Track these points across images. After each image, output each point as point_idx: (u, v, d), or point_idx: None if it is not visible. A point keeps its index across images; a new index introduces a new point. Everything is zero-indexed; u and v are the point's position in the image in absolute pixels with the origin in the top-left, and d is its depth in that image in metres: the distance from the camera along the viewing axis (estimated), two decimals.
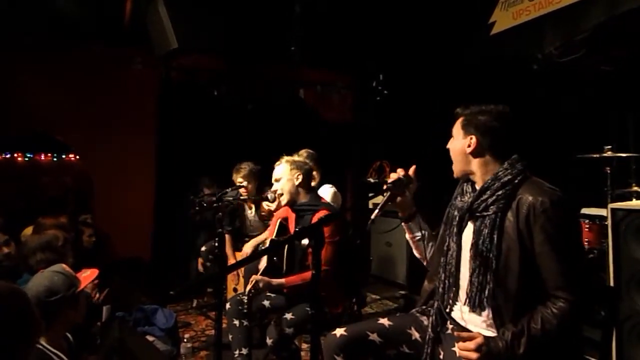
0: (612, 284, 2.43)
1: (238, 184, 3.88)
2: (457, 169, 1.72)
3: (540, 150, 3.74)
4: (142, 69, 4.98)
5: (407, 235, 1.88)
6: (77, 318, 1.99)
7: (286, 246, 2.53)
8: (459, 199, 1.72)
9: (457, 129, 1.72)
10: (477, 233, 1.56)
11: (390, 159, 5.38)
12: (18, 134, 5.10)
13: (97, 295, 2.64)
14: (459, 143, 1.69)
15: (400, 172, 1.81)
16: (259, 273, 2.55)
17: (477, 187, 1.65)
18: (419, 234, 1.85)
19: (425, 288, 1.88)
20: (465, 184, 1.73)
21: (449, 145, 1.76)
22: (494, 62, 3.91)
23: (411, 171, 1.82)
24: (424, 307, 1.84)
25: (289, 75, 5.45)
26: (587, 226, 3.17)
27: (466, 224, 1.65)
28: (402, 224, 1.89)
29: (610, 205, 2.49)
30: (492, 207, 1.54)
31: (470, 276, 1.57)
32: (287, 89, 5.70)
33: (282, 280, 2.48)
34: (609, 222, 2.47)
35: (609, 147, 3.17)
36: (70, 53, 4.67)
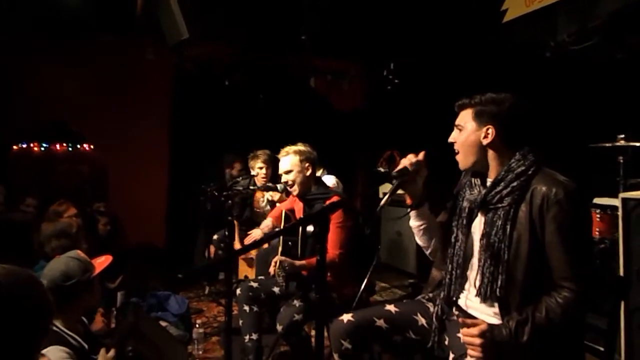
0: (622, 273, 2.41)
1: (257, 169, 3.93)
2: (468, 161, 1.66)
3: (553, 139, 3.71)
4: (156, 59, 5.03)
5: (413, 223, 1.83)
6: (93, 302, 2.06)
7: (300, 231, 2.57)
8: (468, 191, 1.70)
9: (467, 119, 1.65)
10: (489, 224, 1.56)
11: (401, 148, 5.37)
12: (34, 124, 5.19)
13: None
14: (473, 135, 1.63)
15: (411, 157, 1.75)
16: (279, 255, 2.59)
17: (489, 179, 1.62)
18: (425, 222, 1.82)
19: (433, 276, 1.89)
20: (473, 177, 1.70)
21: (454, 139, 1.69)
22: (506, 49, 3.86)
23: (421, 156, 1.76)
24: (430, 294, 1.86)
25: (300, 64, 5.45)
26: (599, 216, 3.14)
27: (476, 215, 1.65)
28: (410, 211, 1.85)
29: (622, 195, 2.47)
30: (506, 198, 1.53)
31: (482, 267, 1.57)
32: (298, 78, 5.70)
33: (304, 262, 2.52)
34: (620, 211, 2.45)
35: (622, 136, 3.12)
36: (85, 44, 4.74)
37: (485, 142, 1.61)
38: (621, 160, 3.17)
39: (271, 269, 2.51)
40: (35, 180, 5.89)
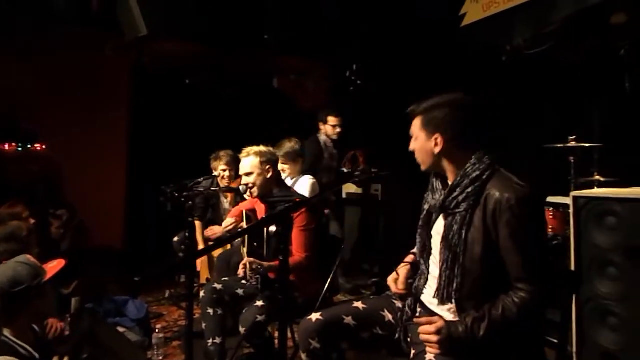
0: (573, 268, 2.52)
1: (221, 171, 3.86)
2: (426, 167, 1.71)
3: (509, 140, 3.85)
4: (114, 55, 4.86)
5: None
6: (45, 309, 1.97)
7: (265, 232, 2.54)
8: (430, 195, 1.73)
9: (417, 129, 1.68)
10: (447, 228, 1.59)
11: (365, 148, 5.42)
12: None
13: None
14: (425, 144, 1.66)
15: (394, 288, 1.81)
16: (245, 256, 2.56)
17: (449, 182, 1.65)
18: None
19: None
20: (435, 180, 1.73)
21: (412, 147, 1.72)
22: (465, 52, 3.97)
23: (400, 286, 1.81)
24: None
25: (262, 63, 5.40)
26: (552, 214, 3.28)
27: (437, 218, 1.68)
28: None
29: (573, 193, 2.57)
30: (463, 204, 1.56)
31: (440, 270, 1.60)
32: (261, 77, 5.66)
33: (273, 263, 2.47)
34: (571, 209, 2.55)
35: (573, 137, 3.27)
36: (39, 35, 4.51)
37: (436, 150, 1.63)
38: (572, 161, 3.31)
39: (240, 271, 2.47)
40: None
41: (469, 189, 1.55)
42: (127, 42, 4.16)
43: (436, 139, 1.62)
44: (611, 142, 3.31)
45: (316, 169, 4.23)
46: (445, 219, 1.61)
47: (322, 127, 4.54)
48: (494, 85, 3.95)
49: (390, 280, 1.84)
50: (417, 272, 1.79)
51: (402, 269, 1.85)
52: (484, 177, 1.55)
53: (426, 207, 1.73)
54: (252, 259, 2.46)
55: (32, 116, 4.84)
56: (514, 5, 3.28)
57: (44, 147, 5.49)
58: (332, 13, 4.66)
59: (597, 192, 2.71)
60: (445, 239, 1.59)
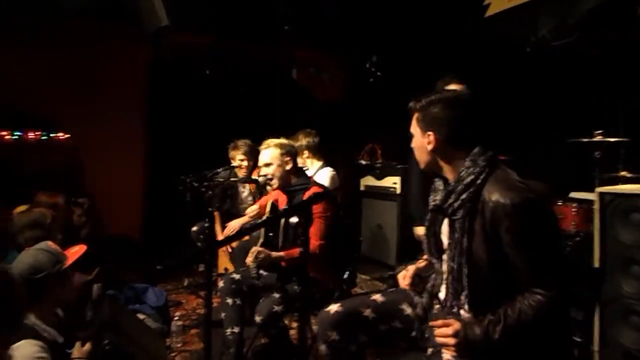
0: (597, 266, 2.47)
1: (238, 161, 3.88)
2: (423, 165, 1.68)
3: (532, 134, 3.77)
4: (133, 46, 4.90)
5: None
6: (66, 295, 2.00)
7: (282, 223, 2.55)
8: (432, 196, 1.70)
9: (414, 126, 1.66)
10: (450, 236, 1.56)
11: (383, 140, 5.39)
12: (5, 111, 5.01)
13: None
14: (419, 141, 1.63)
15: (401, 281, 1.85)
16: (259, 246, 2.57)
17: (448, 183, 1.61)
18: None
19: None
20: (437, 180, 1.70)
21: (412, 145, 1.69)
22: (488, 44, 3.90)
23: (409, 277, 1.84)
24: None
25: (281, 54, 5.39)
26: (575, 210, 3.20)
27: (442, 220, 1.64)
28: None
29: (598, 189, 2.51)
30: (459, 211, 1.51)
31: (446, 280, 1.58)
32: (280, 68, 5.65)
33: (282, 253, 2.51)
34: (596, 205, 2.49)
35: (599, 131, 3.18)
36: (61, 29, 4.58)
37: (430, 147, 1.59)
38: (597, 156, 3.23)
39: (248, 259, 2.49)
40: (6, 169, 5.70)
41: (464, 195, 1.50)
42: (147, 32, 4.19)
43: (429, 135, 1.59)
44: (637, 137, 3.22)
45: None
46: (448, 223, 1.58)
47: None
48: (517, 77, 3.87)
49: (399, 276, 1.84)
50: (431, 269, 1.77)
51: (412, 266, 1.84)
52: (479, 181, 1.49)
53: (430, 207, 1.70)
54: (260, 248, 2.48)
55: (54, 107, 4.92)
56: None
57: (67, 136, 5.60)
58: (332, 13, 4.59)
59: (623, 188, 2.63)
60: (450, 246, 1.56)
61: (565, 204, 3.21)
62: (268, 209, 2.76)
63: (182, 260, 3.75)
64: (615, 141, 3.18)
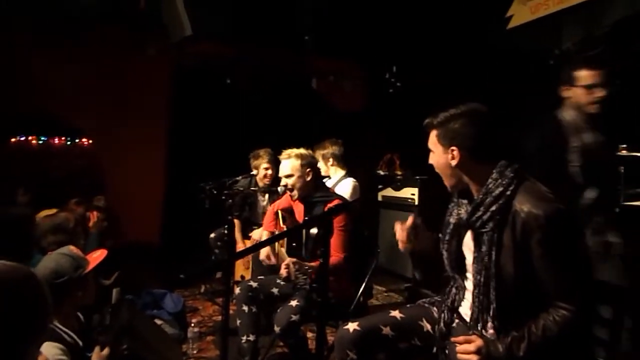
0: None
1: (263, 169, 3.91)
2: (448, 183, 1.64)
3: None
4: (157, 55, 5.00)
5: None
6: (86, 299, 2.02)
7: (304, 232, 2.55)
8: (455, 211, 1.67)
9: (433, 142, 1.62)
10: (477, 249, 1.53)
11: (402, 151, 5.36)
12: (32, 117, 5.15)
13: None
14: (442, 158, 1.59)
15: (399, 232, 1.81)
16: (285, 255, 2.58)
17: (474, 197, 1.58)
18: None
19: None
20: (459, 197, 1.67)
21: (432, 162, 1.66)
22: (510, 56, 3.86)
23: (409, 223, 1.79)
24: (434, 298, 1.86)
25: (302, 64, 5.43)
26: None
27: (465, 233, 1.61)
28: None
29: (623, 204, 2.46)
30: (489, 223, 1.48)
31: (472, 293, 1.55)
32: (300, 78, 5.69)
33: (313, 263, 2.47)
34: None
35: (624, 145, 3.12)
36: (86, 37, 4.70)
37: (454, 163, 1.56)
38: (622, 170, 3.15)
39: (283, 271, 2.47)
40: (31, 173, 5.84)
41: (493, 207, 1.47)
42: (171, 42, 4.28)
43: (452, 151, 1.55)
44: None
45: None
46: (474, 237, 1.55)
47: (567, 93, 2.54)
48: (540, 89, 3.82)
49: (397, 229, 1.81)
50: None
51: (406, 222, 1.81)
52: (508, 192, 1.46)
53: (452, 220, 1.67)
54: (294, 259, 2.46)
55: (78, 113, 5.04)
56: (565, 7, 3.17)
57: (90, 142, 5.72)
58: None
59: None
60: (475, 260, 1.53)
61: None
62: (280, 219, 2.77)
63: (202, 268, 3.78)
64: None
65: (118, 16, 4.57)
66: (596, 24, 3.14)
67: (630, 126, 3.46)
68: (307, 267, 2.44)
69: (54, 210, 3.21)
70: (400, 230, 1.79)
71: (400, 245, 1.79)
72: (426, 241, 1.83)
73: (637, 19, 2.97)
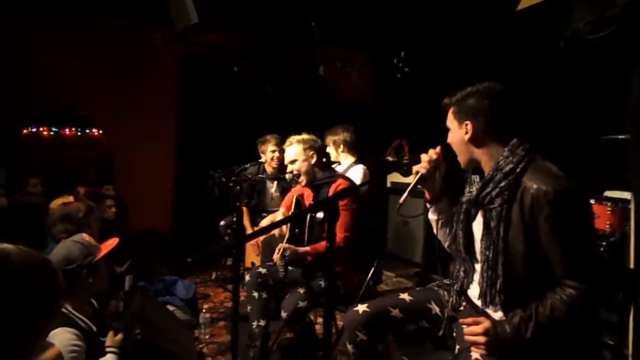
0: (632, 267, 2.39)
1: (270, 152, 3.92)
2: (462, 160, 1.67)
3: (566, 131, 3.67)
4: (163, 45, 5.00)
5: (431, 217, 1.84)
6: (98, 285, 2.06)
7: (307, 218, 2.57)
8: (467, 188, 1.68)
9: (450, 120, 1.67)
10: (486, 226, 1.53)
11: (410, 137, 5.33)
12: (43, 108, 5.20)
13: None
14: (457, 134, 1.63)
15: (431, 153, 1.74)
16: (284, 243, 2.60)
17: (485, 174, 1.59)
18: (443, 216, 1.82)
19: (450, 271, 1.88)
20: (472, 174, 1.68)
21: (449, 140, 1.69)
22: (519, 38, 3.79)
23: (439, 150, 1.76)
24: (443, 281, 1.86)
25: (309, 52, 5.40)
26: (610, 209, 3.10)
27: (476, 213, 1.62)
28: (428, 204, 1.85)
29: None
30: (497, 199, 1.49)
31: (481, 269, 1.55)
32: (307, 66, 5.66)
33: (307, 248, 2.52)
34: (632, 204, 2.41)
35: None
36: (94, 28, 4.71)
37: (467, 137, 1.59)
38: None
39: (275, 256, 2.52)
40: (43, 163, 5.92)
41: (502, 183, 1.48)
42: (177, 31, 4.26)
43: (466, 125, 1.59)
44: None
45: None
46: (483, 215, 1.55)
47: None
48: (550, 72, 3.76)
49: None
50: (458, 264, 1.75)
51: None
52: (518, 169, 1.47)
53: (463, 199, 1.67)
54: (286, 245, 2.49)
55: (87, 104, 5.08)
56: None
57: (100, 132, 5.77)
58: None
59: None
60: (484, 236, 1.53)
61: (599, 203, 3.11)
62: (293, 204, 2.78)
63: (211, 253, 3.83)
64: None
65: (125, 6, 4.57)
66: (608, 3, 3.06)
67: None
68: (299, 252, 2.47)
69: (70, 198, 3.27)
70: (431, 153, 1.76)
71: (422, 164, 1.75)
72: (440, 191, 1.82)
73: None
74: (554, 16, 3.37)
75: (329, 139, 3.69)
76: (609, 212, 3.09)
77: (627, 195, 2.90)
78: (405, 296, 1.80)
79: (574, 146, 3.58)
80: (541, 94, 3.77)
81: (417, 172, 1.74)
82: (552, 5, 3.32)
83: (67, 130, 6.62)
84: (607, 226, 3.07)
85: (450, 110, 1.67)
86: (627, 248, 2.47)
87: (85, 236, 2.08)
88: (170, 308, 3.18)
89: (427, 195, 1.84)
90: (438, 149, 1.75)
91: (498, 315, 1.54)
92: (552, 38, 3.39)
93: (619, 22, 3.04)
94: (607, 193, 3.29)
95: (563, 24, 3.29)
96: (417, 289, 1.91)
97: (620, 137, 3.09)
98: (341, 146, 3.70)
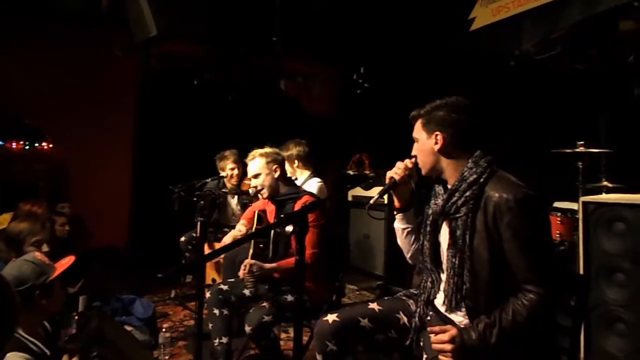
0: (581, 274, 2.52)
1: (229, 170, 3.87)
2: (425, 168, 1.72)
3: (516, 145, 3.85)
4: (122, 55, 4.88)
5: (398, 225, 1.88)
6: (53, 307, 1.96)
7: (272, 233, 2.55)
8: (432, 201, 1.74)
9: (418, 131, 1.72)
10: (452, 235, 1.59)
11: (371, 151, 5.43)
12: None
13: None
14: (425, 144, 1.69)
15: (407, 162, 1.78)
16: (249, 258, 2.56)
17: (449, 186, 1.65)
18: (410, 226, 1.86)
19: (414, 281, 1.92)
20: (437, 185, 1.74)
21: (414, 152, 1.75)
22: (473, 57, 3.98)
23: (413, 160, 1.79)
24: (410, 291, 1.89)
25: (270, 65, 5.42)
26: (559, 219, 3.28)
27: (442, 224, 1.68)
28: (396, 213, 1.89)
29: (582, 199, 2.58)
30: (462, 208, 1.56)
31: (447, 275, 1.60)
32: (268, 79, 5.67)
33: (274, 264, 2.49)
34: (580, 215, 2.55)
35: (581, 142, 3.27)
36: (47, 35, 4.53)
37: (436, 148, 1.65)
38: (580, 166, 3.31)
39: (241, 273, 2.47)
40: None
41: (467, 193, 1.56)
42: (136, 42, 4.18)
43: (436, 136, 1.65)
44: (619, 147, 3.32)
45: None
46: (449, 225, 1.61)
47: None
48: (501, 90, 3.95)
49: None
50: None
51: None
52: (482, 180, 1.56)
53: (430, 212, 1.73)
54: (253, 261, 2.46)
55: (39, 115, 4.86)
56: (524, 9, 3.29)
57: (50, 145, 5.51)
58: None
59: (606, 197, 2.70)
60: (450, 245, 1.59)
61: (550, 214, 3.27)
62: (255, 220, 2.76)
63: (178, 268, 3.72)
64: (597, 152, 3.27)
65: (82, 14, 4.43)
66: (554, 26, 3.27)
67: (587, 124, 3.64)
68: (265, 269, 2.44)
69: (7, 216, 3.10)
70: (407, 162, 1.79)
71: (396, 170, 1.78)
72: (410, 200, 1.86)
73: (593, 22, 3.12)
74: (504, 37, 3.57)
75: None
76: (558, 222, 3.27)
77: (574, 205, 3.08)
78: (374, 306, 1.82)
79: (525, 159, 3.77)
80: (493, 109, 3.95)
81: (391, 178, 1.78)
82: (503, 27, 3.52)
83: (13, 143, 6.28)
84: (557, 235, 3.24)
85: (419, 122, 1.72)
86: (576, 255, 2.60)
87: (37, 255, 1.98)
88: (128, 328, 3.06)
89: (396, 203, 1.88)
90: (413, 159, 1.79)
91: (464, 322, 1.58)
92: (503, 57, 3.59)
93: (563, 43, 3.26)
94: (557, 204, 3.47)
95: (513, 45, 3.50)
96: (386, 298, 1.93)
97: (567, 150, 3.28)
98: (295, 161, 3.69)
